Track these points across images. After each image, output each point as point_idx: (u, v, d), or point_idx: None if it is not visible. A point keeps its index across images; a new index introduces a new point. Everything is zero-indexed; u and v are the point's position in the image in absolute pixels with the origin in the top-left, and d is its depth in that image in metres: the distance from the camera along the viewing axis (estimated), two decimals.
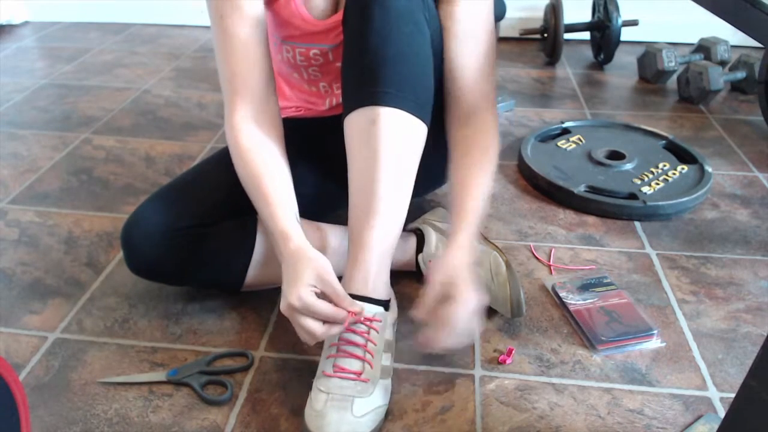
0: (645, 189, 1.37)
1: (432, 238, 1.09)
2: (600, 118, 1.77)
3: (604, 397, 0.92)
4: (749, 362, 0.97)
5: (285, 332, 1.03)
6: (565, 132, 1.64)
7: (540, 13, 2.30)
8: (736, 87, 1.96)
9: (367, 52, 0.86)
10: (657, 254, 1.22)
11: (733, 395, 0.86)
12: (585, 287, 1.10)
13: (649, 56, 1.99)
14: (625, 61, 2.19)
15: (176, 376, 0.94)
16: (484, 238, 1.10)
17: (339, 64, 0.98)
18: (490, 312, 1.06)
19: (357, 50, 0.88)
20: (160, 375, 0.94)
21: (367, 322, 0.86)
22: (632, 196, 1.34)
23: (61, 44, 2.39)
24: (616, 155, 1.50)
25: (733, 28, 0.91)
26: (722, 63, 1.98)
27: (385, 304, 0.89)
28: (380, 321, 0.88)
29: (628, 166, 1.46)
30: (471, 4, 0.95)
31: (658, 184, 1.39)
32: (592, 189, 1.38)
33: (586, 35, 2.31)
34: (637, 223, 1.31)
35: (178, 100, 1.90)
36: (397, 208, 0.89)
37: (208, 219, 0.99)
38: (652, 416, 0.89)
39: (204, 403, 0.91)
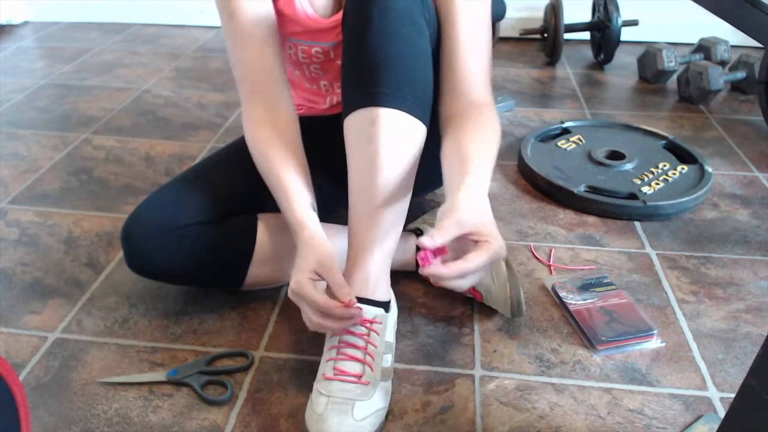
0: (645, 189, 1.37)
1: None
2: (600, 118, 1.76)
3: (604, 397, 0.92)
4: (749, 362, 0.97)
5: (285, 332, 1.03)
6: (565, 132, 1.64)
7: (540, 13, 2.30)
8: (736, 87, 1.95)
9: (367, 53, 0.86)
10: (657, 254, 1.22)
11: (733, 395, 0.86)
12: (585, 287, 1.10)
13: (649, 56, 1.99)
14: (625, 61, 2.19)
15: (176, 376, 0.94)
16: None
17: (340, 62, 0.98)
18: (490, 312, 1.06)
19: (356, 51, 0.88)
20: (160, 375, 0.94)
21: (368, 324, 0.87)
22: (632, 196, 1.34)
23: (61, 44, 2.39)
24: (616, 155, 1.50)
25: (733, 28, 0.91)
26: (722, 63, 1.98)
27: (385, 306, 0.89)
28: (380, 323, 0.88)
29: (628, 166, 1.46)
30: (470, 4, 0.95)
31: (658, 184, 1.39)
32: (592, 189, 1.38)
33: (586, 35, 2.31)
34: (637, 223, 1.31)
35: (178, 100, 1.90)
36: (396, 209, 0.89)
37: (208, 217, 1.00)
38: (652, 416, 0.89)
39: (204, 403, 0.91)
